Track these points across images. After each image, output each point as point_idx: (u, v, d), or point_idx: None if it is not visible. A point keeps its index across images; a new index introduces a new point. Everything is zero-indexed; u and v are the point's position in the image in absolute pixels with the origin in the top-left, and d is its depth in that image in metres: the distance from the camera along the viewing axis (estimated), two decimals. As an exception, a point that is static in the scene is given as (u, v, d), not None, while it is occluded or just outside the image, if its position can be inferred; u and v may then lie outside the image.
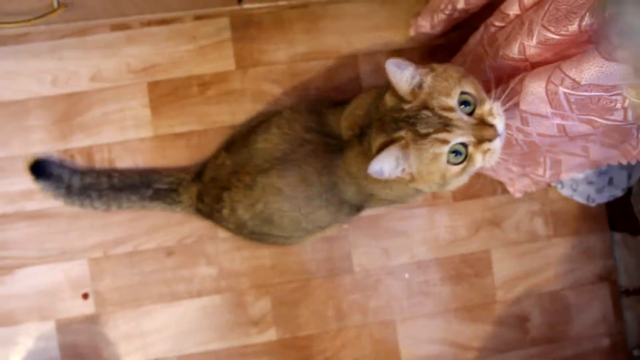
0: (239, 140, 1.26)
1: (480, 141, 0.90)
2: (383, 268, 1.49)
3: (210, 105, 1.45)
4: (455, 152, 0.91)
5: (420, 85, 0.92)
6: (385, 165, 0.91)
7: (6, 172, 1.43)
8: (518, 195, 1.45)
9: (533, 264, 1.52)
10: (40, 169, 1.38)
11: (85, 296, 1.44)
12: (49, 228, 1.43)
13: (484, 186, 1.50)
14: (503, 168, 1.35)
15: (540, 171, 1.27)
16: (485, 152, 0.91)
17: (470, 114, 0.91)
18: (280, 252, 1.46)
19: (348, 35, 1.47)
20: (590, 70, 0.75)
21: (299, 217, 1.17)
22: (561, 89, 0.83)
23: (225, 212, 1.24)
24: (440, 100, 0.90)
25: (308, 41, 1.48)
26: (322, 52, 1.47)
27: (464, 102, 0.91)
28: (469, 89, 0.91)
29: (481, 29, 1.12)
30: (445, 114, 0.89)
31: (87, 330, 1.44)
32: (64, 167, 1.41)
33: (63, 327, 1.44)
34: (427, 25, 1.34)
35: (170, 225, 1.45)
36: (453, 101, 0.90)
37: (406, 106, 0.92)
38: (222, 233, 1.45)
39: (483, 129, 0.90)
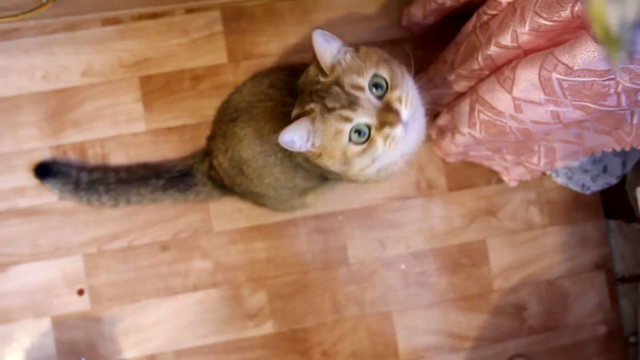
0: (230, 93, 1.28)
1: (382, 125, 0.91)
2: (379, 259, 1.49)
3: (203, 99, 1.44)
4: (359, 132, 0.92)
5: (340, 62, 0.94)
6: (296, 137, 0.93)
7: (-2, 169, 1.42)
8: (513, 184, 1.45)
9: (529, 253, 1.52)
10: (44, 170, 1.38)
11: (80, 292, 1.43)
12: (42, 224, 1.42)
13: (478, 175, 1.50)
14: (498, 157, 1.35)
15: (535, 160, 1.27)
16: (386, 137, 0.91)
17: (380, 97, 0.92)
18: (276, 244, 1.46)
19: (340, 27, 1.47)
20: (583, 55, 0.75)
21: (258, 169, 1.17)
22: (554, 75, 0.82)
23: (215, 161, 1.26)
24: (352, 78, 0.91)
25: (300, 33, 1.47)
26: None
27: (376, 85, 0.92)
28: (383, 72, 0.92)
29: (474, 17, 1.12)
30: (354, 92, 0.91)
31: (83, 326, 1.44)
32: (71, 164, 1.40)
33: (59, 323, 1.43)
34: (419, 14, 1.33)
35: (164, 220, 1.44)
36: (364, 81, 0.92)
37: (322, 79, 0.94)
38: (217, 226, 1.44)
39: (387, 113, 0.91)
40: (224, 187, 1.31)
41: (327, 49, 0.93)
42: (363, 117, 0.91)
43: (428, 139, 1.43)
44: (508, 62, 0.97)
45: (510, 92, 0.95)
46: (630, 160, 1.42)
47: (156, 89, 1.44)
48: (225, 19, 1.45)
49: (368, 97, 0.91)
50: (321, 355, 1.48)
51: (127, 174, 1.39)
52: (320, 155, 0.96)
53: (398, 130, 0.90)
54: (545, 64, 0.83)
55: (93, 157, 1.43)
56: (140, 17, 1.43)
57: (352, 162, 0.96)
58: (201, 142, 1.40)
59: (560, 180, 1.48)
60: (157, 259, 1.44)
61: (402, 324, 1.49)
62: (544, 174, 1.46)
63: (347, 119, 0.91)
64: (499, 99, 0.99)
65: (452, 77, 1.18)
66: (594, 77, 0.78)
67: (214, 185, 1.34)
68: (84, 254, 1.43)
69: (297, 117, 0.95)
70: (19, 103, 1.42)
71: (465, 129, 1.18)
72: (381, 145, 0.92)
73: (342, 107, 0.91)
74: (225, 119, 1.20)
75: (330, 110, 0.92)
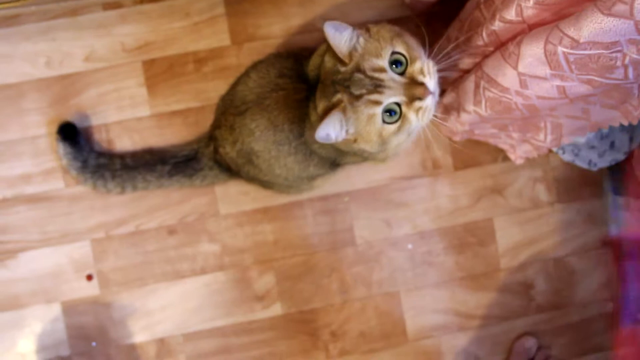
0: (233, 83, 1.28)
1: (411, 100, 0.93)
2: (385, 239, 1.49)
3: (207, 82, 1.44)
4: (390, 112, 0.94)
5: (355, 47, 0.95)
6: (331, 130, 0.94)
7: (4, 156, 1.42)
8: (519, 161, 1.44)
9: (536, 231, 1.52)
10: (69, 132, 1.37)
11: (89, 277, 1.44)
12: (49, 211, 1.43)
13: (484, 154, 1.49)
14: (504, 135, 1.35)
15: (541, 136, 1.26)
16: (417, 110, 0.94)
17: (402, 73, 0.94)
18: (283, 226, 1.46)
19: (342, 7, 1.46)
20: (589, 27, 0.74)
21: (270, 160, 1.18)
22: (560, 49, 0.81)
23: (221, 150, 1.27)
24: (371, 62, 0.93)
25: (302, 14, 1.46)
26: (317, 25, 1.46)
27: (395, 62, 0.94)
28: (400, 48, 0.94)
29: (477, -7, 1.10)
30: (377, 74, 0.92)
31: (93, 311, 1.45)
32: (85, 142, 1.40)
33: (69, 308, 1.44)
34: (422, -8, 1.32)
35: (171, 204, 1.44)
36: (384, 62, 0.93)
37: (342, 68, 0.95)
38: (224, 209, 1.45)
39: (414, 87, 0.92)
40: (230, 170, 1.32)
41: (341, 38, 0.94)
42: (392, 97, 0.92)
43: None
44: (513, 38, 0.96)
45: (515, 67, 0.94)
46: (637, 136, 1.41)
47: (159, 72, 1.44)
48: (227, 1, 1.44)
49: (391, 77, 0.92)
50: (329, 336, 1.49)
51: (132, 160, 1.39)
52: (355, 140, 0.98)
53: (428, 100, 0.93)
54: (550, 38, 0.82)
55: (98, 143, 1.43)
56: (142, 1, 1.43)
57: (389, 141, 0.98)
58: (205, 126, 1.40)
59: (567, 157, 1.47)
60: (164, 243, 1.45)
61: (410, 303, 1.50)
62: (550, 151, 1.45)
63: (377, 102, 0.92)
64: (504, 75, 0.98)
65: (456, 55, 1.17)
66: (600, 49, 0.77)
67: (220, 169, 1.34)
68: (91, 239, 1.44)
69: (325, 110, 0.96)
70: (23, 90, 1.42)
71: (470, 107, 1.17)
72: (414, 119, 0.95)
73: (369, 92, 0.92)
74: (232, 111, 1.20)
75: (358, 97, 0.93)
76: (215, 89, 1.42)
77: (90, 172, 1.36)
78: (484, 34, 1.02)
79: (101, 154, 1.40)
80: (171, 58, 1.44)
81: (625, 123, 0.99)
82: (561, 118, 1.14)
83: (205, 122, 1.40)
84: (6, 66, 1.42)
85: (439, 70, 1.00)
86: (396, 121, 0.95)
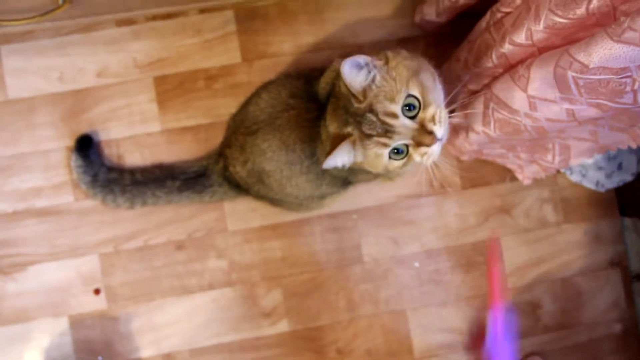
0: (243, 103, 1.30)
1: (418, 145, 0.94)
2: (393, 257, 1.49)
3: (217, 99, 1.45)
4: (397, 149, 0.95)
5: (370, 86, 0.93)
6: (339, 159, 0.97)
7: (16, 169, 1.43)
8: (527, 182, 1.44)
9: (544, 251, 1.51)
10: (84, 143, 1.39)
11: (97, 292, 1.45)
12: (59, 224, 1.44)
13: (492, 173, 1.50)
14: (512, 155, 1.35)
15: (549, 157, 1.26)
16: (423, 154, 0.95)
17: (414, 117, 0.93)
18: (291, 243, 1.47)
19: (353, 26, 1.47)
20: (599, 53, 0.75)
21: (282, 179, 1.19)
22: (570, 73, 0.82)
23: (231, 169, 1.27)
24: (384, 105, 0.92)
25: (313, 32, 1.47)
26: (328, 43, 1.47)
27: (408, 105, 0.92)
28: (415, 92, 0.92)
29: (487, 15, 1.11)
30: (388, 120, 0.92)
31: (100, 325, 1.45)
32: (96, 156, 1.41)
33: (76, 322, 1.44)
34: (432, 12, 1.34)
35: (179, 220, 1.45)
36: (397, 107, 0.92)
37: (355, 104, 0.94)
38: (232, 226, 1.45)
39: (422, 134, 0.93)
40: (240, 187, 1.32)
41: (356, 78, 0.93)
42: (400, 141, 0.93)
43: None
44: (522, 61, 0.97)
45: (525, 90, 0.95)
46: (645, 157, 1.42)
47: (171, 89, 1.45)
48: (239, 18, 1.45)
49: (402, 123, 0.92)
50: (336, 353, 1.48)
51: (142, 175, 1.40)
52: (362, 163, 1.00)
53: (435, 148, 0.94)
54: (560, 62, 0.83)
55: (109, 158, 1.44)
56: (155, 18, 1.44)
57: (394, 171, 1.02)
58: (215, 142, 1.41)
59: (575, 177, 1.47)
60: (172, 258, 1.45)
61: (417, 322, 1.50)
62: (558, 171, 1.45)
63: (385, 145, 0.94)
64: (514, 97, 0.99)
65: (466, 76, 1.18)
66: (609, 74, 0.78)
67: (229, 186, 1.35)
68: (100, 253, 1.45)
69: (335, 137, 0.98)
70: (35, 104, 1.44)
71: (479, 128, 1.17)
72: (419, 159, 0.96)
73: (379, 135, 0.93)
74: (243, 131, 1.20)
75: (369, 136, 0.94)
76: (226, 105, 1.44)
77: (100, 186, 1.37)
78: (494, 56, 1.03)
79: (111, 168, 1.41)
80: (182, 74, 1.45)
81: (634, 146, 0.99)
82: (569, 140, 1.15)
83: (216, 139, 1.41)
84: (19, 80, 1.44)
85: (451, 112, 1.00)
86: (402, 158, 0.96)
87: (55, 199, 1.44)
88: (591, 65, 0.77)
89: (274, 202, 1.33)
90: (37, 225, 1.44)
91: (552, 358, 1.51)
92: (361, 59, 0.91)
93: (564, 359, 1.51)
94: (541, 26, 0.87)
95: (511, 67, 1.01)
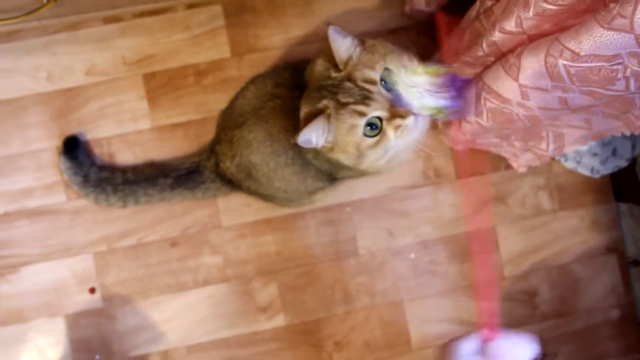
0: (232, 98, 1.29)
1: (393, 116, 0.93)
2: (388, 249, 1.48)
3: (208, 94, 1.44)
4: (371, 125, 0.94)
5: (351, 56, 0.95)
6: (313, 135, 0.94)
7: (6, 170, 1.42)
8: (522, 170, 1.44)
9: (540, 239, 1.51)
10: (71, 145, 1.38)
11: (92, 291, 1.44)
12: (51, 224, 1.43)
13: (487, 162, 1.49)
14: (506, 144, 1.34)
15: (544, 145, 1.26)
16: (396, 127, 0.93)
17: (391, 90, 0.93)
18: (285, 237, 1.46)
19: (343, 17, 1.46)
20: (589, 41, 0.74)
21: (269, 172, 1.18)
22: (561, 61, 0.81)
23: (222, 165, 1.27)
24: (364, 73, 0.93)
25: (303, 25, 1.46)
26: (317, 35, 1.45)
27: (385, 80, 0.93)
28: (392, 65, 0.94)
29: (477, 3, 1.10)
30: (367, 86, 0.92)
31: (96, 324, 1.44)
32: (85, 156, 1.40)
33: (72, 322, 1.44)
34: (422, 1, 1.32)
35: (173, 217, 1.44)
36: (376, 74, 0.93)
37: (334, 74, 0.95)
38: (226, 221, 1.44)
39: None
40: (232, 183, 1.31)
41: (342, 43, 0.94)
42: (376, 110, 0.92)
43: (434, 126, 1.42)
44: (513, 49, 0.96)
45: (516, 79, 0.94)
46: (639, 142, 1.41)
47: (160, 85, 1.44)
48: (227, 13, 1.44)
49: (380, 91, 0.92)
50: (334, 346, 1.48)
51: (134, 174, 1.39)
52: (332, 149, 0.98)
53: (410, 120, 0.93)
54: (551, 51, 0.82)
55: (100, 156, 1.43)
56: (142, 14, 1.43)
57: (366, 155, 0.98)
58: (207, 138, 1.40)
59: (569, 164, 1.47)
60: (167, 256, 1.45)
61: (414, 313, 1.49)
62: (552, 159, 1.45)
63: (362, 114, 0.92)
64: (505, 86, 0.98)
65: (456, 65, 1.17)
66: (601, 62, 0.77)
67: (222, 182, 1.34)
68: (94, 252, 1.44)
69: (309, 115, 0.96)
70: (24, 104, 1.42)
71: (472, 117, 1.17)
72: (393, 136, 0.94)
73: (356, 102, 0.92)
74: (231, 125, 1.21)
75: (344, 105, 0.93)
76: (216, 101, 1.42)
77: (92, 186, 1.36)
78: (484, 45, 1.02)
79: (102, 167, 1.40)
80: (171, 71, 1.44)
81: (628, 133, 0.99)
82: (563, 128, 1.14)
83: (207, 135, 1.40)
84: (7, 81, 1.42)
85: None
86: (375, 135, 0.95)
87: (47, 199, 1.43)
88: (582, 53, 0.76)
89: (266, 197, 1.33)
90: (29, 226, 1.43)
91: (550, 346, 1.51)
92: (345, 32, 0.94)
93: (562, 347, 1.51)
94: (531, 13, 0.86)
95: (502, 56, 1.00)
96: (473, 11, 1.13)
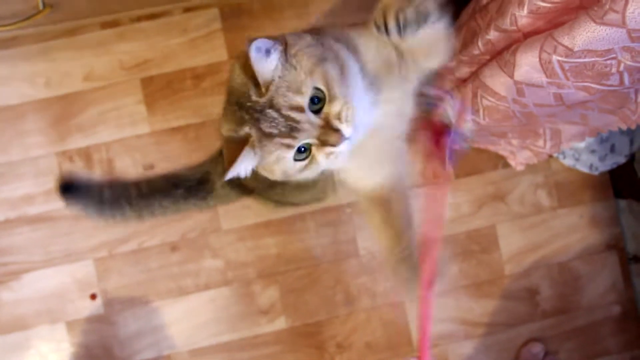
0: None
1: (323, 144, 0.80)
2: (389, 250, 1.48)
3: (206, 97, 1.44)
4: (300, 149, 0.81)
5: (273, 79, 0.79)
6: (242, 168, 0.82)
7: (6, 177, 1.43)
8: (520, 168, 1.44)
9: (540, 237, 1.51)
10: (68, 186, 1.37)
11: (93, 296, 1.44)
12: (52, 231, 1.43)
13: (485, 161, 1.49)
14: (503, 142, 1.34)
15: (541, 142, 1.26)
16: (328, 154, 0.81)
17: (318, 111, 0.80)
18: (285, 240, 1.46)
19: (340, 18, 1.46)
20: (582, 37, 0.74)
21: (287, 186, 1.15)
22: (555, 57, 0.81)
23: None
24: (289, 98, 0.78)
25: (300, 27, 1.45)
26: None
27: (313, 98, 0.79)
28: (319, 84, 0.79)
29: (472, 2, 1.11)
30: (293, 115, 0.78)
31: (98, 330, 1.44)
32: (91, 180, 1.39)
33: (74, 328, 1.44)
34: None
35: (173, 221, 1.44)
36: (304, 99, 0.78)
37: (254, 97, 0.79)
38: (226, 225, 1.45)
39: (328, 132, 0.79)
40: (241, 186, 1.31)
41: (266, 65, 0.78)
42: (304, 140, 0.80)
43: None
44: (508, 46, 0.96)
45: (511, 76, 0.94)
46: (637, 138, 1.41)
47: (158, 89, 1.44)
48: (224, 16, 1.44)
49: (309, 117, 0.79)
50: (336, 348, 1.48)
51: (147, 187, 1.38)
52: (259, 167, 0.86)
53: (342, 147, 0.80)
54: (545, 47, 0.82)
55: (99, 162, 1.43)
56: (139, 19, 1.43)
57: (295, 176, 0.86)
58: (206, 141, 1.40)
59: (568, 161, 1.47)
60: (167, 260, 1.45)
61: (415, 313, 1.49)
62: (551, 156, 1.44)
63: (288, 147, 0.80)
64: (501, 83, 0.98)
65: (452, 64, 1.17)
66: (594, 57, 0.77)
67: (231, 186, 1.34)
68: (94, 258, 1.44)
69: (231, 143, 0.84)
70: (23, 111, 1.43)
71: (468, 116, 1.17)
72: (323, 162, 0.82)
73: (282, 134, 0.79)
74: None
75: (268, 136, 0.79)
76: (215, 104, 1.43)
77: (108, 206, 1.35)
78: (480, 43, 1.03)
79: (114, 184, 1.39)
80: (169, 75, 1.44)
81: (624, 127, 0.99)
82: (560, 124, 1.14)
83: (206, 138, 1.41)
84: (6, 88, 1.43)
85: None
86: (304, 159, 0.82)
87: (48, 206, 1.43)
88: (575, 49, 0.77)
89: (277, 200, 1.32)
90: (30, 233, 1.43)
91: (552, 343, 1.51)
92: (266, 42, 0.77)
93: (563, 344, 1.51)
94: (525, 11, 0.86)
95: (497, 54, 1.01)
96: (468, 10, 1.14)
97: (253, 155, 0.81)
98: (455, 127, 0.86)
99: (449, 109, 0.95)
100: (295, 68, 0.79)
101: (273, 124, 0.79)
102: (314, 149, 0.81)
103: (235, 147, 0.80)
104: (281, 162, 0.82)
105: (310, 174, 0.86)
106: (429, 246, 0.90)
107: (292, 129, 0.78)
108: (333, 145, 0.79)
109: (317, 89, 0.79)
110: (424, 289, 0.84)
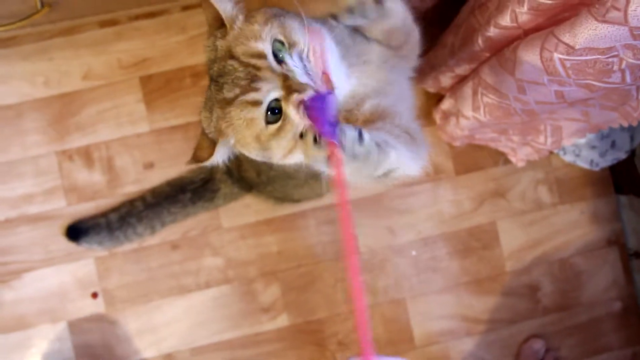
0: None
1: (289, 93, 0.73)
2: (389, 247, 1.48)
3: (205, 96, 1.43)
4: (273, 110, 0.75)
5: (233, 22, 0.77)
6: (220, 158, 0.81)
7: (6, 177, 1.42)
8: (521, 164, 1.44)
9: (541, 233, 1.51)
10: (75, 232, 1.38)
11: (94, 295, 1.44)
12: (52, 230, 1.43)
13: (485, 157, 1.49)
14: (504, 138, 1.34)
15: (542, 139, 1.26)
16: (297, 104, 0.73)
17: (282, 62, 0.75)
18: (286, 237, 1.46)
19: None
20: (584, 34, 0.74)
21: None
22: (556, 55, 0.81)
23: (245, 174, 1.25)
24: (248, 45, 0.75)
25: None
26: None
27: (274, 54, 0.75)
28: (277, 33, 0.75)
29: (472, -1, 1.10)
30: (253, 61, 0.74)
31: (99, 329, 1.44)
32: (95, 215, 1.40)
33: (75, 327, 1.44)
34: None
35: (173, 219, 1.44)
36: (265, 44, 0.75)
37: (220, 42, 0.77)
38: (226, 223, 1.44)
39: (291, 78, 0.74)
40: (242, 180, 1.31)
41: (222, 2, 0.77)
42: (271, 93, 0.74)
43: (432, 123, 1.42)
44: (508, 43, 0.96)
45: (512, 74, 0.94)
46: (638, 134, 1.41)
47: (157, 88, 1.44)
48: (223, 13, 1.44)
49: (269, 64, 0.74)
50: (337, 345, 1.48)
51: (153, 196, 1.38)
52: (234, 145, 0.81)
53: (310, 93, 0.73)
54: (546, 45, 0.81)
55: (99, 161, 1.43)
56: (137, 17, 1.43)
57: (271, 147, 0.78)
58: (205, 140, 1.39)
59: (568, 157, 1.47)
60: (168, 259, 1.45)
61: (416, 310, 1.49)
62: (551, 152, 1.44)
63: (255, 103, 0.74)
64: (502, 81, 0.98)
65: (453, 61, 1.17)
66: (596, 55, 0.77)
67: (232, 181, 1.33)
68: (95, 257, 1.44)
69: (204, 135, 0.84)
70: (23, 110, 1.43)
71: (469, 113, 1.17)
72: (295, 115, 0.74)
73: (243, 90, 0.74)
74: None
75: (232, 101, 0.75)
76: (214, 102, 1.42)
77: (118, 228, 1.36)
78: (480, 40, 1.02)
79: (119, 205, 1.39)
80: (168, 73, 1.44)
81: (625, 124, 0.99)
82: (561, 121, 1.14)
83: (205, 136, 1.40)
84: (5, 87, 1.42)
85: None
86: (278, 120, 0.75)
87: (48, 205, 1.43)
88: (577, 47, 0.76)
89: (278, 197, 1.32)
90: (30, 232, 1.43)
91: (553, 340, 1.51)
92: None
93: (565, 340, 1.51)
94: (525, 8, 0.86)
95: (498, 51, 1.00)
96: (468, 7, 1.13)
97: (228, 142, 0.79)
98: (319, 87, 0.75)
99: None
100: (252, 24, 0.76)
101: (235, 82, 0.75)
102: (283, 103, 0.75)
103: (207, 140, 0.83)
104: (252, 127, 0.76)
105: (287, 142, 0.77)
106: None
107: (253, 79, 0.74)
108: (298, 90, 0.73)
109: (278, 41, 0.75)
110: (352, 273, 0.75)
